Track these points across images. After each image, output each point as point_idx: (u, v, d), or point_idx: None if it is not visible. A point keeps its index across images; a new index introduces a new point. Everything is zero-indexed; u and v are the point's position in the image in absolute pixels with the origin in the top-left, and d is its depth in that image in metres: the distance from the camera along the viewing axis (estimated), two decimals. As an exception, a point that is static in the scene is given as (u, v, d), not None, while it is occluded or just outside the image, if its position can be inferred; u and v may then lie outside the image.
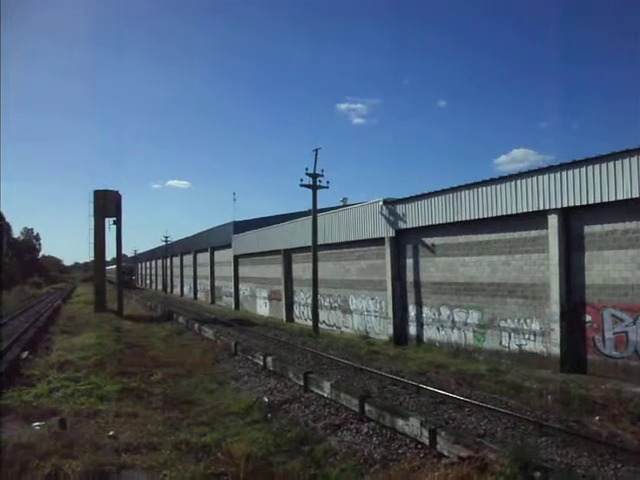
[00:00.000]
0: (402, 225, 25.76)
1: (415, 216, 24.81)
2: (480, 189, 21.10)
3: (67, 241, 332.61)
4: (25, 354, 19.24)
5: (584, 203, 17.19)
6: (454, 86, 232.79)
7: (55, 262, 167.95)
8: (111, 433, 10.48)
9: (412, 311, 25.63)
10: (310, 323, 33.02)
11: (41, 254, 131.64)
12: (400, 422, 10.10)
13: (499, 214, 20.20)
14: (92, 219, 40.40)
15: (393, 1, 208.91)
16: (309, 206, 32.16)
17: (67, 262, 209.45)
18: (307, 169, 31.02)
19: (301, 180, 31.26)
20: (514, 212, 19.60)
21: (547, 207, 18.34)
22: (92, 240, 40.81)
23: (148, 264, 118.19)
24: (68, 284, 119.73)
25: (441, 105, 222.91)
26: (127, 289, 68.30)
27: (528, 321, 19.50)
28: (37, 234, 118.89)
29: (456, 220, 22.33)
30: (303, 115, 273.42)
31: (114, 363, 17.81)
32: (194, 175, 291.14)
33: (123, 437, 10.27)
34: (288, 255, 39.79)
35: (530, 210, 18.98)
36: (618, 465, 8.89)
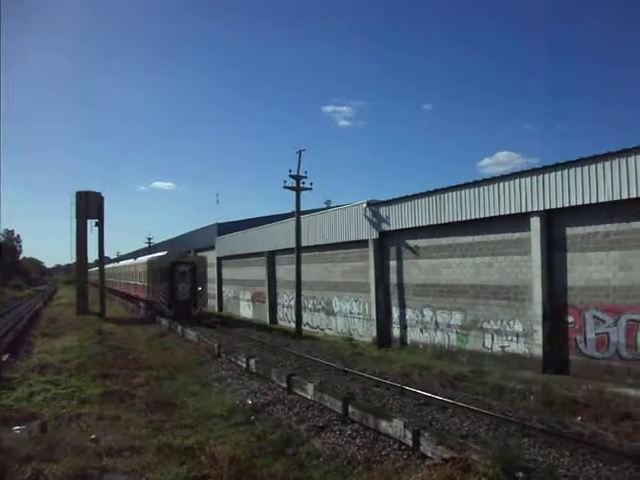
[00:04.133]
0: (386, 227, 25.83)
1: (398, 218, 24.89)
2: (463, 191, 21.22)
3: (49, 243, 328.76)
4: (5, 357, 19.01)
5: (566, 205, 17.35)
6: (439, 89, 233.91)
7: (36, 264, 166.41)
8: (93, 436, 10.36)
9: (395, 313, 25.69)
10: (293, 325, 32.98)
11: (22, 256, 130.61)
12: (383, 423, 10.10)
13: (482, 216, 20.33)
14: (74, 221, 40.01)
15: (380, 3, 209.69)
16: (293, 208, 32.15)
17: (48, 264, 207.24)
18: (290, 171, 31.03)
19: (284, 182, 31.26)
20: (497, 214, 19.74)
21: (530, 209, 18.49)
22: (74, 242, 40.42)
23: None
24: (49, 286, 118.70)
25: (426, 108, 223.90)
26: (186, 317, 33.12)
27: (511, 322, 19.63)
28: (18, 236, 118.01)
29: (439, 222, 22.44)
30: (288, 117, 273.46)
31: (96, 366, 17.65)
32: (179, 177, 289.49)
33: (105, 440, 10.17)
34: (272, 257, 39.73)
35: (513, 212, 19.13)
36: (600, 465, 8.95)
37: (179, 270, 35.64)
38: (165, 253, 40.54)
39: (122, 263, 63.93)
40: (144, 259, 43.14)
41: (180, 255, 39.11)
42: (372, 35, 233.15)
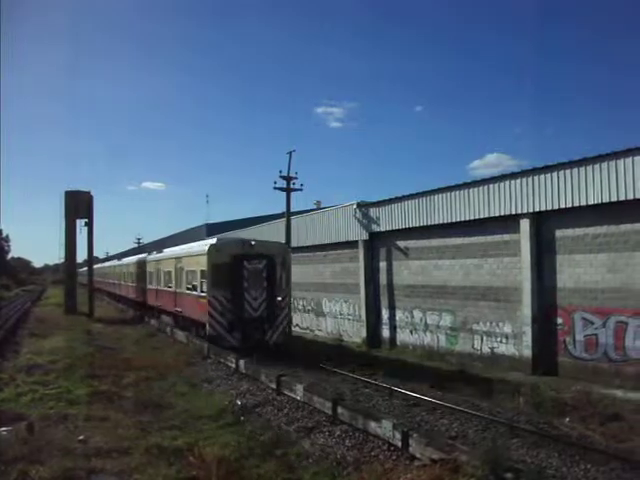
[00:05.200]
0: (376, 228, 25.85)
1: (389, 219, 24.92)
2: (453, 193, 21.29)
3: (37, 242, 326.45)
4: (-8, 357, 18.85)
5: (556, 207, 17.44)
6: (431, 91, 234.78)
7: (25, 264, 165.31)
8: (81, 437, 10.29)
9: (385, 314, 25.72)
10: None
11: (10, 255, 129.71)
12: (373, 425, 10.10)
13: (472, 218, 20.39)
14: (63, 220, 39.77)
15: (371, 5, 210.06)
16: (283, 209, 32.13)
17: (37, 264, 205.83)
18: (281, 171, 30.98)
19: (275, 183, 31.21)
20: (487, 216, 19.81)
21: (519, 211, 18.57)
22: (63, 241, 40.18)
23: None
24: (38, 286, 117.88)
25: (417, 110, 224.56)
26: (258, 346, 20.32)
27: (500, 324, 19.69)
28: (6, 235, 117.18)
29: (429, 224, 22.50)
30: (279, 118, 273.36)
31: (84, 366, 17.53)
32: (169, 177, 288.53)
33: (93, 441, 10.10)
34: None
35: (502, 214, 19.20)
36: (588, 465, 8.99)
37: (248, 268, 21.13)
38: (217, 240, 24.08)
39: (133, 259, 46.19)
40: (180, 250, 28.93)
41: (246, 244, 21.92)
42: (363, 37, 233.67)
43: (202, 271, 21.60)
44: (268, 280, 21.22)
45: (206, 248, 21.59)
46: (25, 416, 11.73)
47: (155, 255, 35.47)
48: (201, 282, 21.77)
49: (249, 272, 21.00)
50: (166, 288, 28.64)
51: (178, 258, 26.36)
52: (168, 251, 33.14)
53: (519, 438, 10.58)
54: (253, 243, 21.77)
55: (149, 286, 34.35)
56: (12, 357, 19.80)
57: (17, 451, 9.15)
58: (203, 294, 21.27)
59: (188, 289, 23.82)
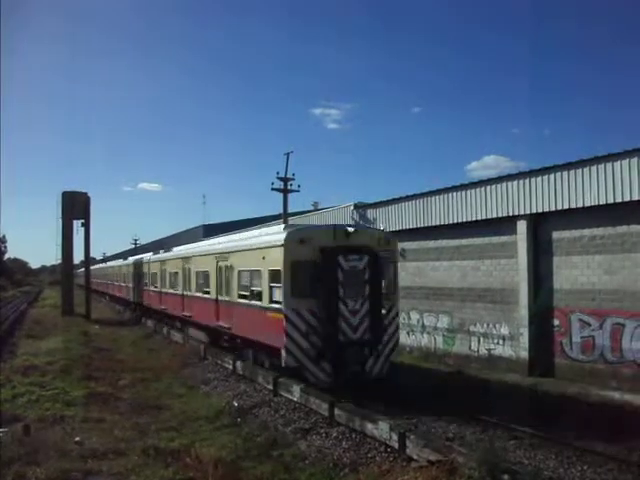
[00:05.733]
0: (373, 230, 25.80)
1: (385, 221, 24.90)
2: (450, 194, 21.28)
3: (34, 243, 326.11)
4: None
5: (552, 209, 17.44)
6: (429, 92, 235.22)
7: (21, 264, 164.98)
8: (77, 439, 10.29)
9: (383, 315, 25.61)
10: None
11: (7, 256, 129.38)
12: (369, 426, 10.10)
13: (469, 219, 20.38)
14: (60, 221, 39.72)
15: (369, 7, 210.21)
16: (280, 210, 32.10)
17: (34, 265, 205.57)
18: (278, 173, 30.91)
19: (272, 184, 31.15)
20: (484, 218, 19.80)
21: (516, 213, 18.56)
22: (59, 242, 40.13)
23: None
24: (35, 287, 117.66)
25: (415, 111, 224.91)
26: (356, 381, 14.00)
27: (497, 325, 19.68)
28: (3, 236, 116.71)
29: (426, 225, 22.48)
30: (277, 119, 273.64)
31: (81, 368, 17.53)
32: (166, 178, 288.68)
33: (89, 443, 10.11)
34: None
35: (499, 216, 19.20)
36: (584, 467, 9.01)
37: (344, 267, 14.42)
38: (294, 228, 16.67)
39: (144, 257, 39.20)
40: (227, 242, 21.59)
41: (340, 231, 15.16)
42: (361, 38, 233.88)
43: (272, 272, 15.05)
44: (371, 285, 14.56)
45: (282, 237, 14.76)
46: (21, 417, 11.73)
47: (178, 251, 29.26)
48: (270, 288, 15.20)
49: (346, 273, 14.24)
50: (199, 294, 22.44)
51: (221, 254, 19.82)
52: (199, 245, 27.31)
53: (516, 440, 10.61)
54: (351, 230, 15.09)
55: (168, 290, 28.27)
56: (9, 358, 19.76)
57: (13, 452, 9.15)
58: (276, 306, 14.72)
59: (244, 297, 17.25)
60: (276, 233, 15.96)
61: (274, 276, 14.91)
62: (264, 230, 18.69)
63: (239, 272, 17.78)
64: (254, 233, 19.65)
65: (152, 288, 32.78)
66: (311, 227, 18.28)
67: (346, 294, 14.12)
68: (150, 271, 33.75)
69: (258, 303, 15.89)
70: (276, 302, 14.74)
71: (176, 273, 26.56)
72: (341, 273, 14.11)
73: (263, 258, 15.66)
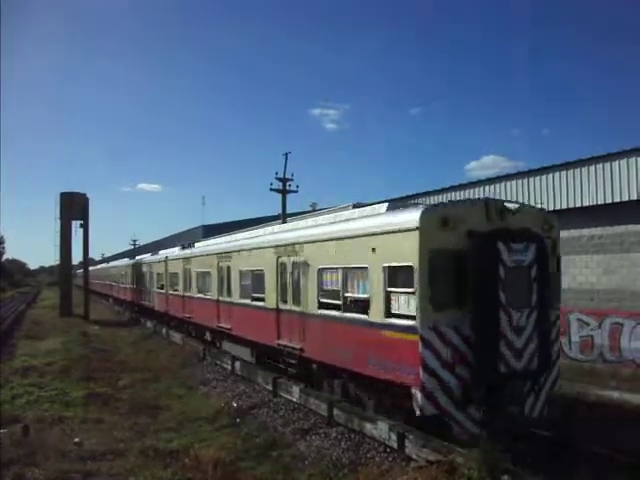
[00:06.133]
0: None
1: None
2: (449, 194, 21.30)
3: (32, 244, 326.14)
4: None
5: (551, 209, 17.43)
6: (427, 93, 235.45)
7: (20, 265, 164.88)
8: (76, 440, 10.28)
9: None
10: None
11: (5, 257, 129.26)
12: (368, 426, 10.08)
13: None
14: (58, 222, 39.67)
15: (368, 8, 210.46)
16: (279, 211, 32.13)
17: (32, 265, 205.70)
18: (277, 173, 30.98)
19: (271, 184, 31.20)
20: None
21: (515, 213, 18.56)
22: (58, 243, 40.07)
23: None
24: (33, 288, 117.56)
25: (414, 111, 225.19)
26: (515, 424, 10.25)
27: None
28: (1, 237, 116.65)
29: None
30: (275, 120, 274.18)
31: (80, 368, 17.51)
32: (165, 178, 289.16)
33: (89, 444, 10.10)
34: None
35: (498, 215, 19.19)
36: (584, 467, 9.00)
37: (506, 262, 9.66)
38: (431, 204, 11.59)
39: (160, 255, 32.95)
40: (294, 230, 15.94)
41: (496, 208, 10.24)
42: (360, 39, 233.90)
43: (393, 270, 10.42)
44: (539, 288, 10.18)
45: (416, 217, 9.81)
46: (21, 418, 11.72)
47: (207, 246, 24.74)
48: (386, 295, 10.51)
49: (509, 272, 9.76)
50: (245, 301, 17.65)
51: (286, 246, 14.84)
52: (243, 237, 21.11)
53: (514, 440, 10.59)
54: (512, 207, 10.59)
55: (195, 295, 23.68)
56: (7, 359, 19.75)
57: (13, 453, 9.14)
58: (400, 322, 10.11)
59: (326, 307, 12.66)
60: (405, 212, 10.77)
61: (396, 276, 10.31)
62: (379, 205, 12.68)
63: (320, 271, 12.91)
64: (357, 211, 14.26)
65: (171, 292, 28.06)
66: (455, 203, 11.79)
67: (508, 302, 9.71)
68: (168, 271, 28.73)
69: (362, 317, 11.14)
70: (398, 316, 10.19)
71: (207, 273, 21.89)
72: (503, 270, 9.67)
73: (373, 250, 10.85)
